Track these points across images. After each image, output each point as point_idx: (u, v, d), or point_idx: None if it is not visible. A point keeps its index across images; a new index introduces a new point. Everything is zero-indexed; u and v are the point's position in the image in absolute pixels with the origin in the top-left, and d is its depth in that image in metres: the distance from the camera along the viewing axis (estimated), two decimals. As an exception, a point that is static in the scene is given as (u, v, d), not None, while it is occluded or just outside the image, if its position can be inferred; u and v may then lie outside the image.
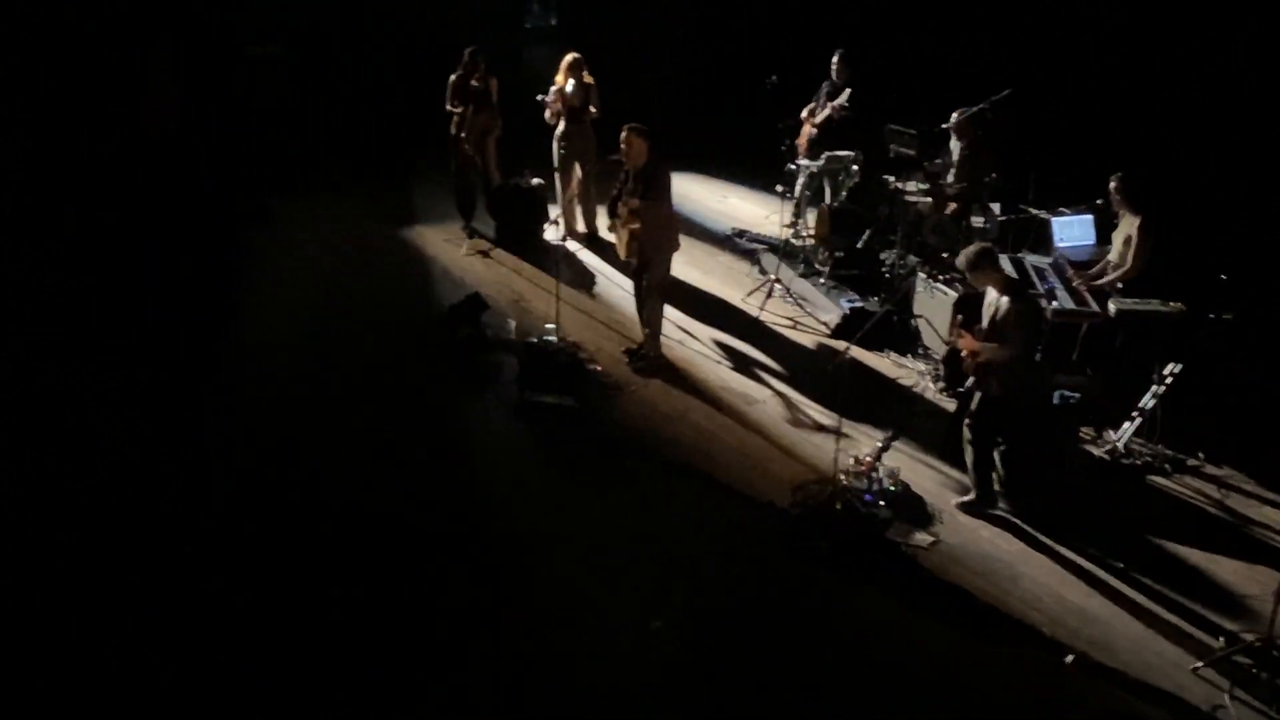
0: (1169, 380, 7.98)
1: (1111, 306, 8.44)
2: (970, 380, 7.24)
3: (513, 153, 11.90)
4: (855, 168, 11.19)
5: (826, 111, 11.17)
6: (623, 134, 8.78)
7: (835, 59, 11.26)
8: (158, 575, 6.52)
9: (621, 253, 9.10)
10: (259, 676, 5.82)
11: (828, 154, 11.16)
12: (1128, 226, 8.60)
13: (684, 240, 9.16)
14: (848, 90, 11.00)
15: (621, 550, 6.94)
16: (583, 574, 6.71)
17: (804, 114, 11.51)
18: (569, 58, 11.39)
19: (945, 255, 9.63)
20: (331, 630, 6.15)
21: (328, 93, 14.46)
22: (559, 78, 11.37)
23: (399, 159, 13.83)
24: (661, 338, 9.22)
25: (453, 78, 11.34)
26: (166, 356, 9.02)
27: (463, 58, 11.26)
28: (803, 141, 11.51)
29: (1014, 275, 8.00)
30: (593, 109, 11.30)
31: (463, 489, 7.54)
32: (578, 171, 11.50)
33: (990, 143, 9.96)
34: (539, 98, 11.36)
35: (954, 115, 10.01)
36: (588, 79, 11.31)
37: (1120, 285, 8.57)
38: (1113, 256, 8.73)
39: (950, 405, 8.33)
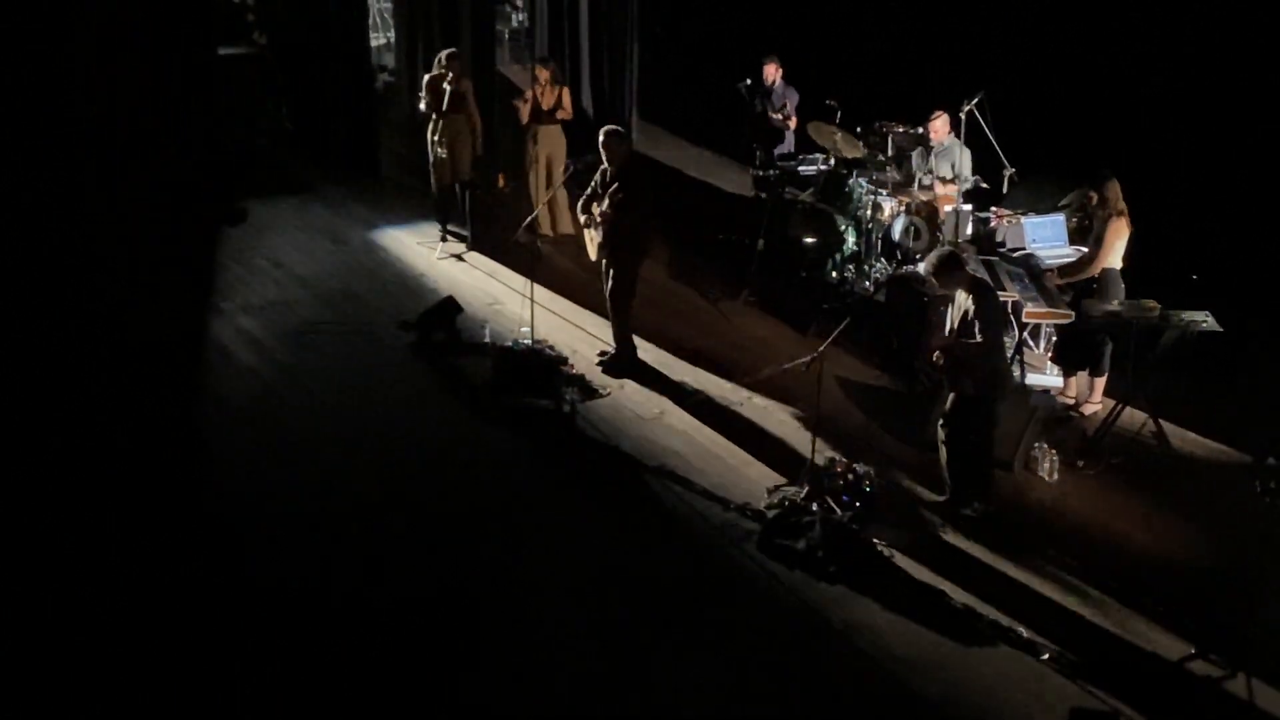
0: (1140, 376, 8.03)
1: (1084, 307, 8.46)
2: (943, 379, 7.26)
3: (487, 155, 11.83)
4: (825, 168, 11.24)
5: (785, 119, 11.56)
6: (600, 137, 8.77)
7: (772, 66, 11.61)
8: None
9: (592, 254, 9.07)
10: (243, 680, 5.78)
11: (803, 155, 11.25)
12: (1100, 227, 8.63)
13: (660, 243, 9.13)
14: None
15: (596, 552, 6.92)
16: (557, 575, 6.69)
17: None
18: (541, 60, 11.39)
19: (917, 257, 9.64)
20: (323, 633, 6.15)
21: (298, 93, 14.32)
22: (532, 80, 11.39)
23: (370, 160, 13.70)
24: (635, 339, 9.19)
25: (427, 78, 11.27)
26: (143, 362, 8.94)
27: (439, 60, 11.19)
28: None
29: (984, 276, 8.02)
30: (565, 110, 11.28)
31: (437, 491, 7.48)
32: (550, 173, 11.45)
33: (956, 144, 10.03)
34: (515, 102, 11.37)
35: (946, 118, 10.08)
36: (559, 82, 11.30)
37: (1095, 285, 8.58)
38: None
39: (924, 406, 8.33)
